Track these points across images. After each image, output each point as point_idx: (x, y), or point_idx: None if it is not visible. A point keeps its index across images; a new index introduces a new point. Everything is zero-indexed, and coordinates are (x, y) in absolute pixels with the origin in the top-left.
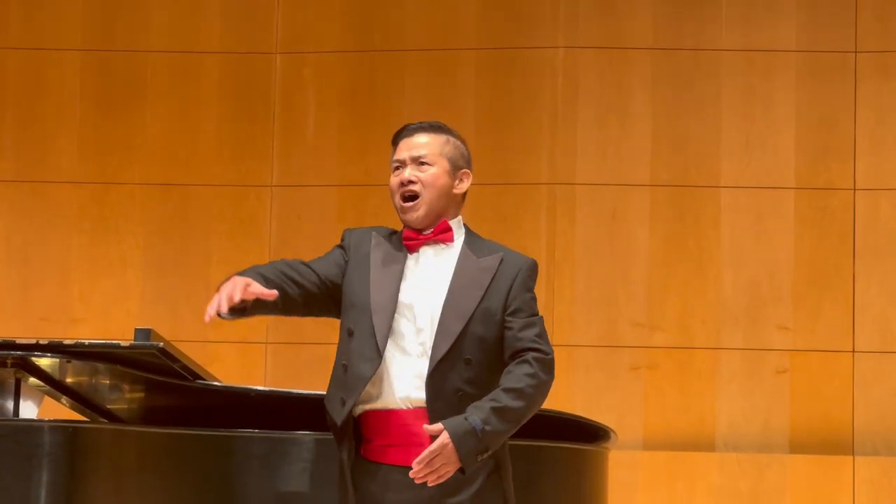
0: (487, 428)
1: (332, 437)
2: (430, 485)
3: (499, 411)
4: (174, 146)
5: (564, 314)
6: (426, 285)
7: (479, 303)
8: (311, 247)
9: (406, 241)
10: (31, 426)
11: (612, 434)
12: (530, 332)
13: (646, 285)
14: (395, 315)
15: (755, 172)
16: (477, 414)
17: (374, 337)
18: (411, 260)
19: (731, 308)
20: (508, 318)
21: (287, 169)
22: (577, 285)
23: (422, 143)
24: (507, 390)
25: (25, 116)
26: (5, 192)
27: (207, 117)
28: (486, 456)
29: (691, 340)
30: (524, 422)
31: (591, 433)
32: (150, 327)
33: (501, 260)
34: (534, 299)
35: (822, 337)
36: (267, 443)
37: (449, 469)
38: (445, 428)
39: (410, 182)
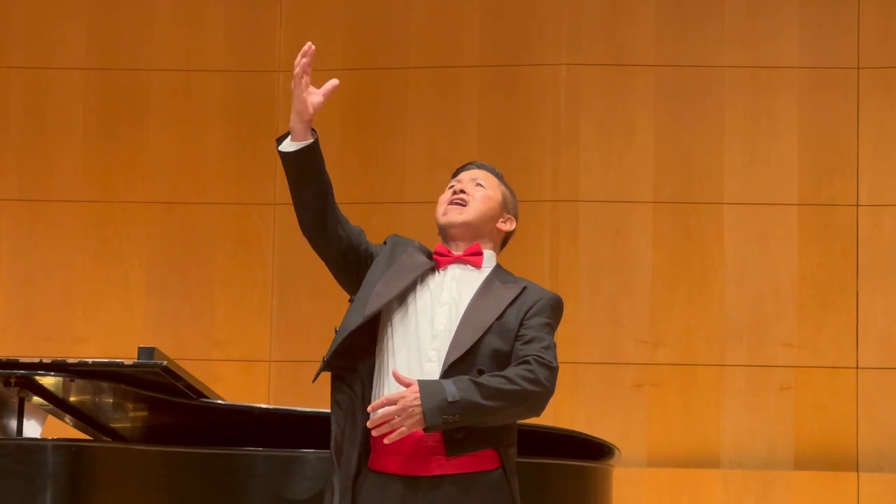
0: (461, 396)
1: (334, 446)
2: (385, 441)
3: (479, 385)
4: (177, 165)
5: (568, 331)
6: (447, 297)
7: (497, 318)
8: (315, 264)
9: (437, 255)
10: (35, 445)
11: (616, 451)
12: (537, 344)
13: (649, 302)
14: (417, 322)
15: (758, 188)
16: (456, 383)
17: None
18: (437, 273)
19: (735, 324)
20: (521, 331)
21: None
22: (581, 302)
23: (482, 174)
24: (496, 375)
25: (29, 135)
26: (9, 211)
27: (210, 135)
28: (454, 420)
29: (695, 357)
30: (511, 413)
31: (595, 450)
32: (153, 346)
33: (524, 288)
34: (549, 325)
35: (827, 353)
36: (271, 461)
37: (409, 424)
38: (416, 381)
39: (463, 191)
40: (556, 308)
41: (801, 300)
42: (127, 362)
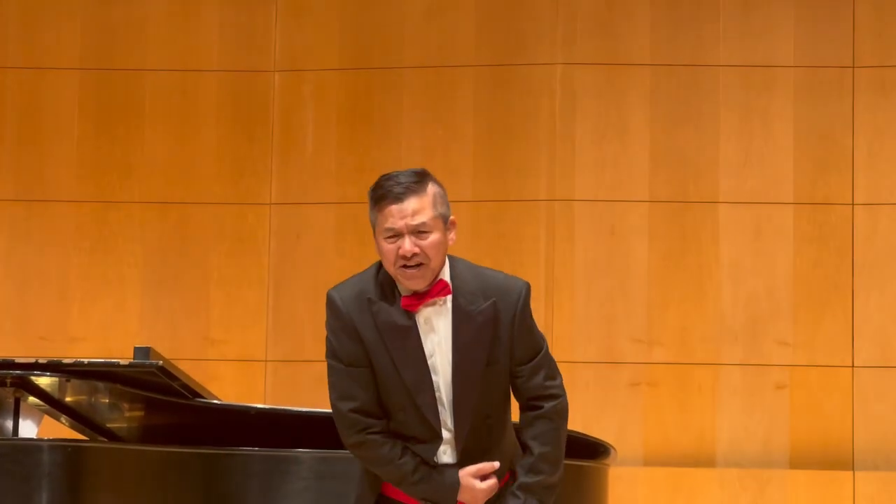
0: None
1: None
2: None
3: (547, 487)
4: (173, 165)
5: (564, 331)
6: (437, 353)
7: (486, 364)
8: (310, 264)
9: (406, 306)
10: (31, 445)
11: (612, 450)
12: (540, 378)
13: (645, 301)
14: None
15: (753, 188)
16: (531, 497)
17: (426, 420)
18: (417, 323)
19: (731, 324)
20: (516, 368)
21: (285, 187)
22: (577, 302)
23: (416, 210)
24: (544, 459)
25: (24, 135)
26: (4, 212)
27: (206, 136)
28: None
29: (691, 356)
30: (563, 452)
31: (591, 449)
32: (149, 346)
33: (495, 305)
34: (534, 328)
35: (822, 352)
36: (267, 461)
37: None
38: None
39: (415, 255)
40: (528, 303)
41: (796, 299)
42: (123, 362)
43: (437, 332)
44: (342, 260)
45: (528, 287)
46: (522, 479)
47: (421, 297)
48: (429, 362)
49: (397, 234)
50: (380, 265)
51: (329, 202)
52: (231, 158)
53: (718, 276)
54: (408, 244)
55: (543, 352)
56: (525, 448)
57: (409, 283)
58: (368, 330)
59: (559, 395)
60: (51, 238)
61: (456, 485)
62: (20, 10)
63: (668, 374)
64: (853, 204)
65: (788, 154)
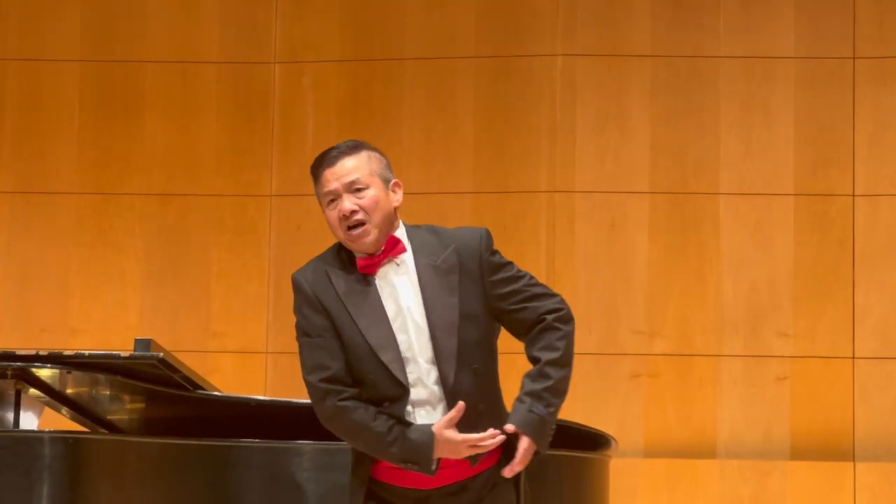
0: (551, 409)
1: (352, 469)
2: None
3: (553, 389)
4: (173, 156)
5: None
6: (401, 309)
7: (459, 309)
8: (311, 256)
9: (363, 269)
10: (32, 437)
11: (612, 442)
12: (535, 303)
13: (646, 293)
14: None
15: (754, 179)
16: (538, 402)
17: (393, 376)
18: (378, 286)
19: (731, 315)
20: (502, 304)
21: (286, 178)
22: (577, 293)
23: (349, 168)
24: (550, 364)
25: (24, 128)
26: (4, 204)
27: (206, 127)
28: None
29: (692, 348)
30: (571, 365)
31: (591, 441)
32: (149, 338)
33: (455, 250)
34: (506, 262)
35: (823, 343)
36: (268, 453)
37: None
38: (519, 427)
39: (353, 212)
40: (490, 245)
41: (797, 290)
42: (123, 354)
43: (401, 292)
44: None
45: (487, 231)
46: (528, 386)
47: (376, 259)
48: (395, 323)
49: (336, 197)
50: (339, 243)
51: None
52: (231, 150)
53: (719, 267)
54: (346, 203)
55: (528, 278)
56: (534, 362)
57: (356, 244)
58: (331, 300)
59: (561, 308)
60: (51, 230)
61: (430, 439)
62: (20, 1)
63: (668, 366)
64: (854, 195)
65: (789, 145)
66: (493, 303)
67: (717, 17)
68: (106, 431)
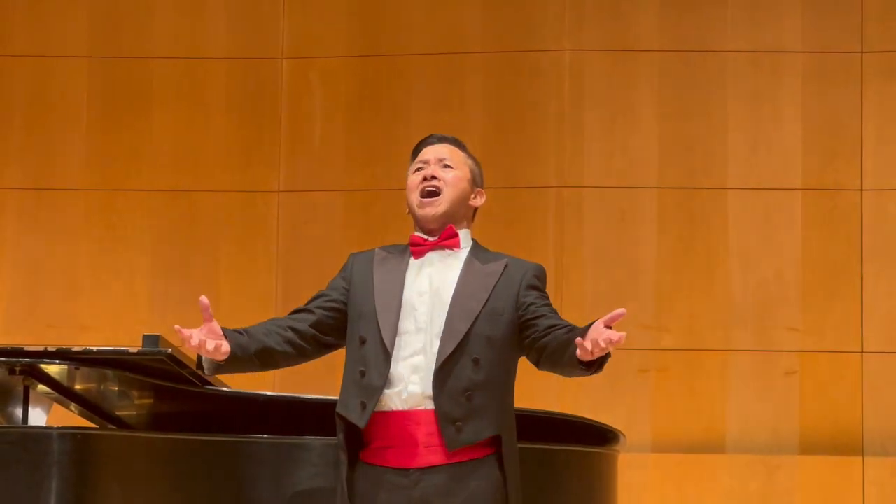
0: None
1: (339, 442)
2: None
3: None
4: (181, 152)
5: (573, 317)
6: (431, 287)
7: (485, 304)
8: (318, 252)
9: (413, 246)
10: (41, 433)
11: (621, 437)
12: (553, 318)
13: (654, 288)
14: (401, 316)
15: (762, 174)
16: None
17: (383, 343)
18: (415, 265)
19: (740, 310)
20: (530, 316)
21: (294, 174)
22: (586, 288)
23: (447, 150)
24: (570, 326)
25: (32, 124)
26: (13, 200)
27: (214, 123)
28: None
29: (700, 342)
30: None
31: (600, 436)
32: (158, 333)
33: (506, 265)
34: (546, 297)
35: (831, 338)
36: (276, 448)
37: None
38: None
39: (434, 178)
40: (541, 276)
41: (805, 285)
42: (132, 350)
43: (439, 274)
44: (350, 247)
45: (541, 266)
46: (569, 327)
47: (429, 243)
48: (422, 297)
49: (424, 165)
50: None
51: (337, 189)
52: (239, 146)
53: (727, 262)
54: (431, 168)
55: (555, 310)
56: (547, 335)
57: (423, 210)
58: (362, 267)
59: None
60: (60, 226)
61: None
62: None
63: (677, 361)
64: (862, 189)
65: (797, 139)
66: (518, 308)
67: (725, 11)
68: (114, 427)
